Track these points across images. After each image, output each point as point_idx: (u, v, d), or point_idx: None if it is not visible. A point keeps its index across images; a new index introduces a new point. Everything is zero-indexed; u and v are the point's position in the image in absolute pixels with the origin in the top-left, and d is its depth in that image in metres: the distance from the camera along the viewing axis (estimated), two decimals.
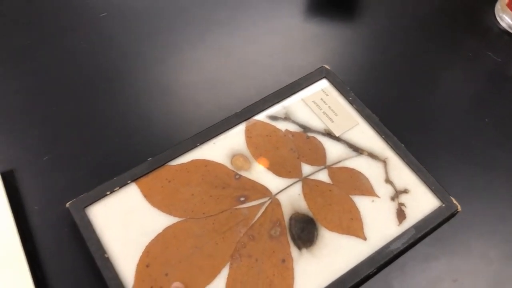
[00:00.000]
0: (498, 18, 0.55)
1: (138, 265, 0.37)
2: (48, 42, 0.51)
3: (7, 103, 0.47)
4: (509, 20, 0.53)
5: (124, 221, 0.39)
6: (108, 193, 0.40)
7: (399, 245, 0.39)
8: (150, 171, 0.42)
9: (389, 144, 0.44)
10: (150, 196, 0.41)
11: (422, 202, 0.41)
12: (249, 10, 0.55)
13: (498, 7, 0.55)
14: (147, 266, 0.38)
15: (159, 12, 0.54)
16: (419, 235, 0.39)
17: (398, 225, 0.40)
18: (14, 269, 0.37)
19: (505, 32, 0.54)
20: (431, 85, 0.50)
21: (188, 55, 0.51)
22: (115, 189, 0.40)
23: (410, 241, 0.39)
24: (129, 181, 0.41)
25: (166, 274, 0.37)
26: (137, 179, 0.41)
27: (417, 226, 0.40)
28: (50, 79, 0.49)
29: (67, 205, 0.39)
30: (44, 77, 0.49)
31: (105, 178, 0.41)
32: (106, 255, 0.37)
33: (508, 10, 0.53)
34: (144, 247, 0.38)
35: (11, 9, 0.54)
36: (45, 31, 0.52)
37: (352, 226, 0.40)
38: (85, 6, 0.54)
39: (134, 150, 0.44)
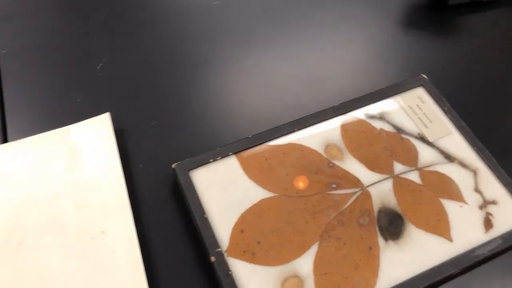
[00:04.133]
0: None
1: (234, 229, 0.40)
2: (162, 21, 0.56)
3: (124, 71, 0.52)
4: None
5: (223, 188, 0.42)
6: (211, 160, 0.43)
7: (484, 252, 0.40)
8: (250, 147, 0.44)
9: (480, 156, 0.45)
10: (248, 169, 0.43)
11: (510, 215, 0.42)
12: (350, 17, 0.57)
13: None
14: (242, 231, 0.40)
15: (265, 6, 0.58)
16: (505, 246, 0.40)
17: (485, 232, 0.41)
18: (120, 217, 0.40)
19: None
20: None
21: (289, 50, 0.54)
22: (217, 158, 0.43)
23: (496, 250, 0.40)
24: (230, 153, 0.44)
25: (259, 242, 0.39)
26: (237, 152, 0.44)
27: (504, 237, 0.40)
28: (163, 54, 0.53)
29: (173, 165, 0.43)
30: (158, 52, 0.53)
31: (206, 149, 0.45)
32: (205, 216, 0.40)
33: None
34: (240, 214, 0.41)
35: None
36: (161, 11, 0.57)
37: (439, 226, 0.41)
38: None
39: (235, 127, 0.47)
